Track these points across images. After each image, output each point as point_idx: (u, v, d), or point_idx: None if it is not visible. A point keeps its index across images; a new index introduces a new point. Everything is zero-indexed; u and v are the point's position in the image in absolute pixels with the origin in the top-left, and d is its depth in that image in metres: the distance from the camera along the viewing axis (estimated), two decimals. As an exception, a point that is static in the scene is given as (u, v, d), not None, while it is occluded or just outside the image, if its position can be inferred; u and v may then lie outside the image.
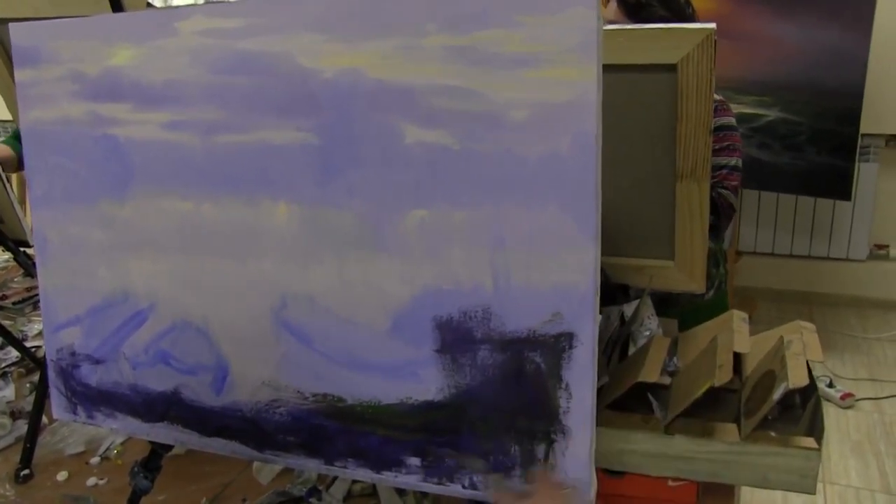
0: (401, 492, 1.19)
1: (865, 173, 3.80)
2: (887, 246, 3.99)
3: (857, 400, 3.17)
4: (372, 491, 1.22)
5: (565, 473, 0.82)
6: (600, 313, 1.25)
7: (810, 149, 3.30)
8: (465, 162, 0.78)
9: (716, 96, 1.76)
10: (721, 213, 1.84)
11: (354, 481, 1.22)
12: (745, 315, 1.17)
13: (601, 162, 0.75)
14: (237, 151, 0.88)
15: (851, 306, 4.07)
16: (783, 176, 3.40)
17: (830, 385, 3.21)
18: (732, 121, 1.78)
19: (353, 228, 0.85)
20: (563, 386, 0.80)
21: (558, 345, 0.79)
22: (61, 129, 0.98)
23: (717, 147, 1.75)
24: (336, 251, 0.86)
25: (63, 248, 1.02)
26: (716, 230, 1.87)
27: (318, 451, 0.93)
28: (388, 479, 0.91)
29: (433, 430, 0.86)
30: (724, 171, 1.80)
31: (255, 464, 1.29)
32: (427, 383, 0.85)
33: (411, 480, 0.90)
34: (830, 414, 3.09)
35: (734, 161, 1.80)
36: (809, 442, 0.95)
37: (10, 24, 0.99)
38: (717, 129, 1.75)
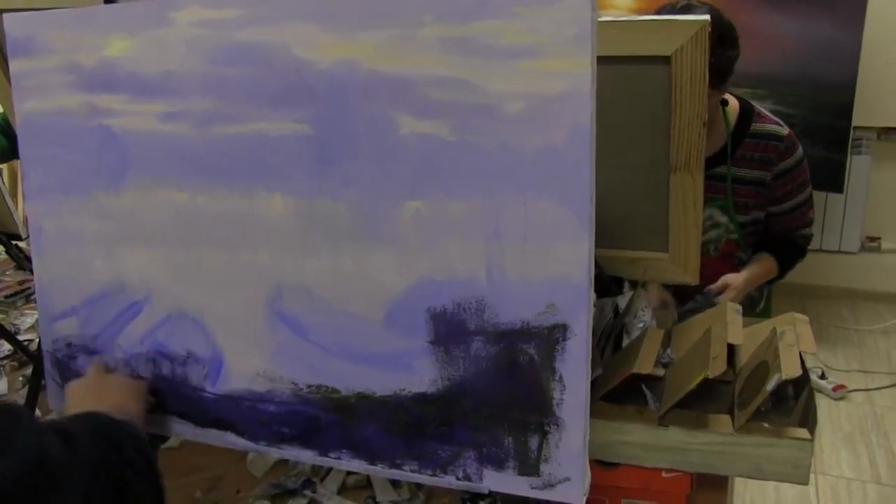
0: (395, 483, 1.19)
1: (858, 166, 3.80)
2: (879, 238, 4.00)
3: (849, 391, 3.18)
4: (366, 483, 1.22)
5: (559, 465, 0.83)
6: (594, 305, 1.26)
7: (803, 141, 3.26)
8: (461, 153, 0.78)
9: (785, 130, 1.68)
10: (804, 251, 1.80)
11: (349, 473, 1.22)
12: (738, 307, 1.18)
13: (595, 154, 0.75)
14: (233, 142, 0.88)
15: (843, 298, 4.08)
16: (776, 168, 3.41)
17: (822, 377, 3.22)
18: (801, 152, 1.72)
19: (348, 219, 0.85)
20: (557, 378, 0.80)
21: (552, 336, 0.79)
22: (57, 119, 0.97)
23: (790, 188, 1.71)
24: (331, 242, 0.86)
25: (58, 239, 1.02)
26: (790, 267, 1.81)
27: (312, 443, 0.94)
28: (381, 471, 0.92)
29: (427, 421, 0.87)
30: (803, 209, 1.75)
31: (249, 456, 1.29)
32: (421, 375, 0.85)
33: (405, 472, 0.90)
34: (822, 405, 3.10)
35: (807, 193, 1.75)
36: (802, 433, 0.96)
37: (5, 15, 0.98)
38: (798, 163, 1.70)
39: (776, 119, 1.71)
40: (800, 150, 1.71)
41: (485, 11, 0.75)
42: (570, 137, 0.74)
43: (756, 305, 1.86)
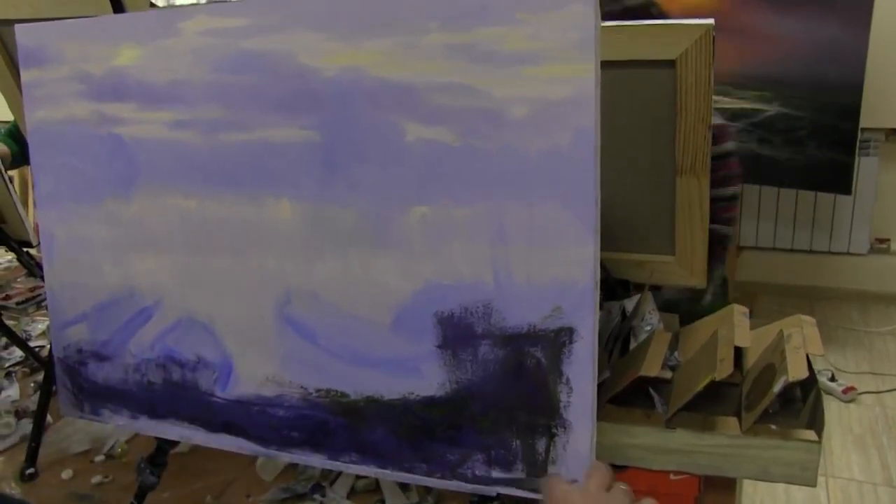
0: (404, 487, 1.19)
1: (866, 167, 3.79)
2: (888, 240, 3.99)
3: (859, 394, 3.17)
4: (375, 487, 1.22)
5: (566, 468, 0.83)
6: (601, 308, 1.26)
7: (810, 143, 3.30)
8: (466, 158, 0.79)
9: (717, 120, 1.68)
10: (713, 252, 1.76)
11: (358, 477, 1.23)
12: (745, 309, 1.18)
13: (601, 158, 0.76)
14: (240, 149, 0.89)
15: (853, 300, 4.07)
16: (784, 170, 3.40)
17: (832, 379, 3.21)
18: (730, 146, 1.66)
19: (356, 225, 0.85)
20: (564, 380, 0.81)
21: (559, 339, 0.79)
22: (67, 128, 0.99)
23: (712, 179, 1.69)
24: (338, 247, 0.87)
25: (69, 245, 1.03)
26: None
27: (322, 447, 0.94)
28: (391, 475, 0.92)
29: (435, 424, 0.87)
30: (722, 205, 1.66)
31: (259, 460, 1.30)
32: (429, 379, 0.86)
33: (413, 475, 0.91)
34: (832, 408, 3.09)
35: (731, 191, 1.68)
36: (810, 434, 0.95)
37: (16, 25, 1.00)
38: (715, 157, 1.67)
39: (716, 113, 1.71)
40: (729, 144, 1.67)
41: (489, 18, 0.75)
42: (575, 141, 0.75)
43: (700, 299, 1.81)
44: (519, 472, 0.85)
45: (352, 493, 1.22)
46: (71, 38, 0.96)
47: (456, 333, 0.83)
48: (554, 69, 0.74)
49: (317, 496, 1.20)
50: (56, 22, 0.97)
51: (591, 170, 0.75)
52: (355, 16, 0.81)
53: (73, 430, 1.44)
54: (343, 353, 0.89)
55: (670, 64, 1.09)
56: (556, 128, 0.75)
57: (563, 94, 0.74)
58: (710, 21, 1.06)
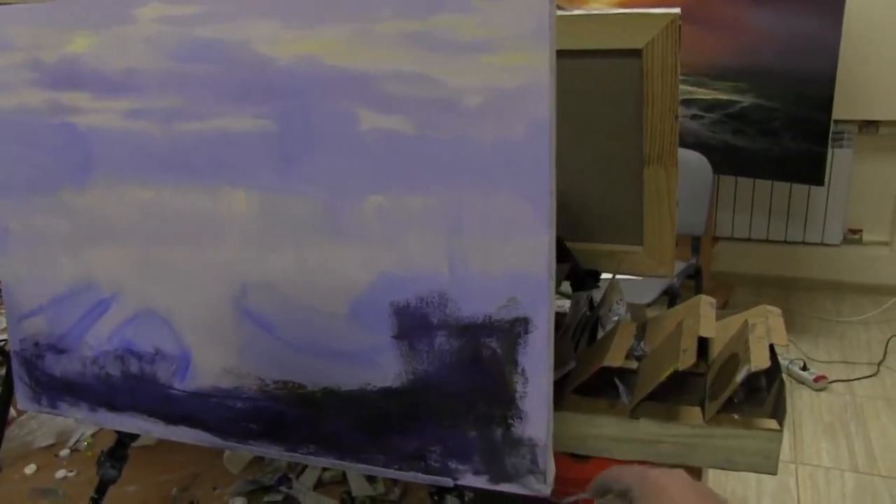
0: (371, 478, 1.19)
1: (839, 159, 3.84)
2: (861, 231, 4.03)
3: (830, 382, 3.21)
4: (342, 478, 1.22)
5: (523, 457, 0.83)
6: (570, 298, 1.26)
7: (785, 134, 3.32)
8: (421, 148, 0.78)
9: None
10: None
11: (324, 469, 1.22)
12: (712, 300, 1.18)
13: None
14: (196, 139, 0.88)
15: (826, 290, 4.11)
16: (758, 161, 3.43)
17: (804, 368, 3.24)
18: None
19: (312, 215, 0.84)
20: (520, 371, 0.80)
21: (514, 330, 0.79)
22: (20, 117, 0.96)
23: None
24: (295, 238, 0.86)
25: (24, 237, 1.01)
26: None
27: (280, 438, 0.94)
28: (350, 466, 0.92)
29: (392, 415, 0.87)
30: None
31: (226, 453, 1.29)
32: (385, 369, 0.85)
33: (372, 466, 0.90)
34: (804, 396, 3.12)
35: None
36: (772, 423, 0.96)
37: (-36, 11, 0.97)
38: None
39: None
40: None
41: (444, 5, 0.74)
42: (530, 131, 0.74)
43: None
44: (476, 463, 0.85)
45: (318, 484, 1.22)
46: (22, 23, 0.93)
47: (412, 324, 0.83)
48: (508, 58, 0.73)
49: (283, 488, 1.20)
50: (5, 7, 0.95)
51: (546, 160, 0.74)
52: (308, 3, 0.79)
53: (38, 425, 1.42)
54: (300, 345, 0.88)
55: (637, 53, 1.09)
56: (510, 117, 0.74)
57: (517, 82, 0.73)
58: (677, 10, 1.06)
